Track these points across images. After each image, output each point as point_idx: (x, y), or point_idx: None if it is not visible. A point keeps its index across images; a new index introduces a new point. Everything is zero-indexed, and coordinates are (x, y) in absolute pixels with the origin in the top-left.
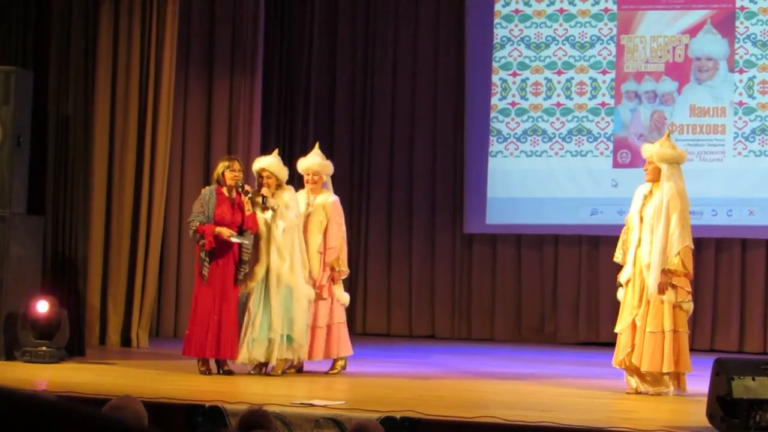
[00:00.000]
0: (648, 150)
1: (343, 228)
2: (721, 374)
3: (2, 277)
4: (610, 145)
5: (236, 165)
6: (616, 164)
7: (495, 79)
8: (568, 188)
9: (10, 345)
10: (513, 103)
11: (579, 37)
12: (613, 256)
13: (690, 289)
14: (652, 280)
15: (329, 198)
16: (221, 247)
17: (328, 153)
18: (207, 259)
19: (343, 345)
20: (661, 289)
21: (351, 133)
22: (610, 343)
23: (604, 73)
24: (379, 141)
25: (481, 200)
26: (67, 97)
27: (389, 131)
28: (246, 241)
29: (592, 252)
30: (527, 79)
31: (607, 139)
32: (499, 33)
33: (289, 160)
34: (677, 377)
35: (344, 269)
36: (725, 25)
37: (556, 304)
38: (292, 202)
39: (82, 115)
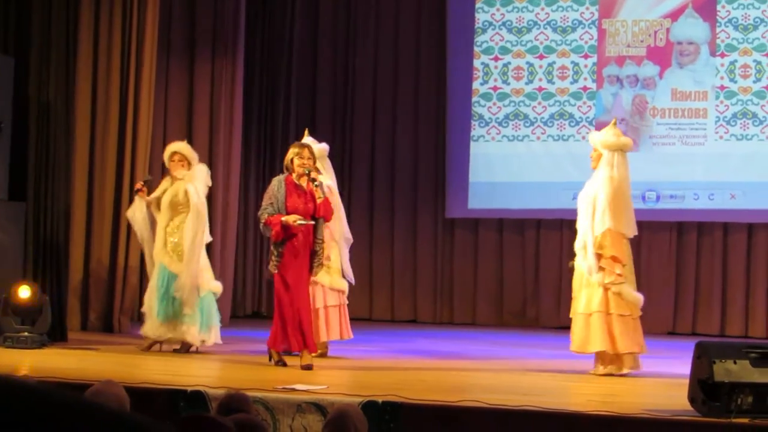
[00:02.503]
0: (593, 138)
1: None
2: (703, 357)
3: None
4: (592, 129)
5: (305, 152)
6: None
7: (477, 63)
8: (549, 172)
9: None
10: (495, 88)
11: (561, 22)
12: None
13: (620, 272)
14: (583, 263)
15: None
16: (294, 238)
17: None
18: (277, 252)
19: (333, 329)
20: (589, 271)
21: (333, 117)
22: None
23: (585, 57)
24: (361, 125)
25: (462, 185)
26: (48, 83)
27: (371, 115)
28: (312, 222)
29: (573, 236)
30: (509, 63)
31: (588, 124)
32: (480, 17)
33: (271, 144)
34: (619, 359)
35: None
36: (707, 9)
37: (537, 289)
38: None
39: (64, 101)
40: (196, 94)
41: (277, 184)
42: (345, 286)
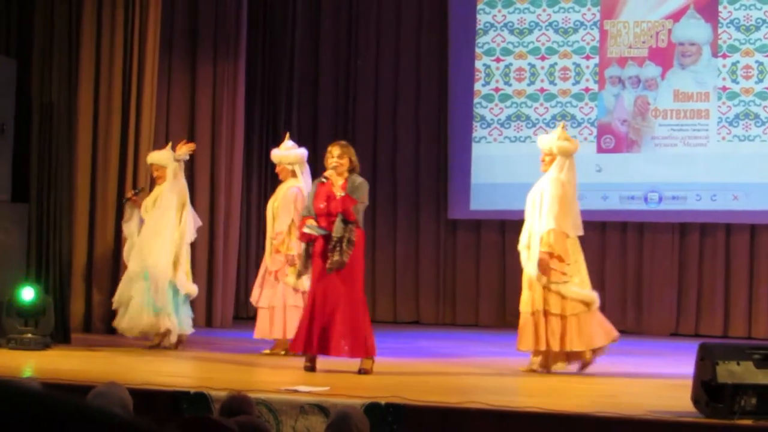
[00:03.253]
0: (545, 142)
1: (294, 214)
2: (706, 359)
3: None
4: (594, 130)
5: (334, 150)
6: (600, 149)
7: (478, 64)
8: None
9: None
10: (497, 89)
11: (562, 23)
12: (595, 240)
13: (564, 271)
14: (527, 263)
15: (285, 186)
16: (317, 241)
17: (312, 138)
18: (306, 253)
19: (291, 327)
20: (541, 271)
21: (335, 119)
22: None
23: (587, 58)
24: (363, 126)
25: (465, 186)
26: (50, 84)
27: (373, 116)
28: (316, 233)
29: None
30: (511, 64)
31: (590, 125)
32: (482, 18)
33: (274, 144)
34: (561, 356)
35: (290, 252)
36: (708, 10)
37: None
38: (164, 196)
39: (66, 103)
40: (198, 96)
41: (313, 185)
42: (294, 284)
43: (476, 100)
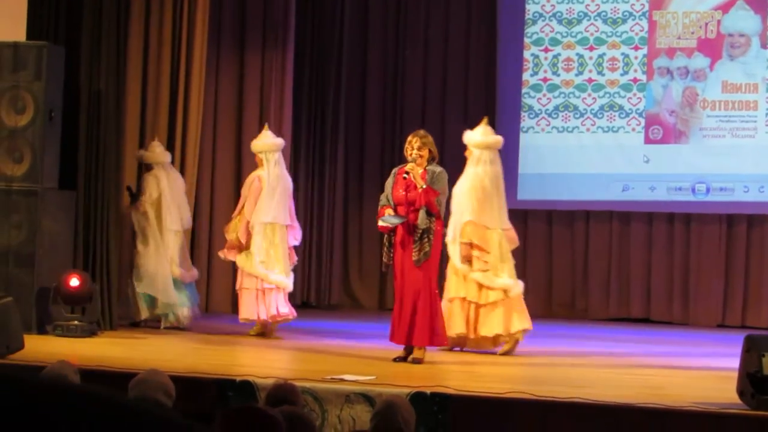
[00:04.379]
0: (466, 137)
1: (247, 201)
2: (752, 351)
3: (34, 251)
4: (642, 121)
5: (414, 141)
6: (648, 140)
7: (527, 54)
8: (599, 164)
9: (42, 319)
10: (545, 79)
11: (611, 13)
12: (642, 232)
13: (486, 260)
14: (453, 253)
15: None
16: (400, 226)
17: (360, 127)
18: (388, 243)
19: (244, 308)
20: (463, 260)
21: (383, 108)
22: (641, 320)
23: (636, 49)
24: (411, 115)
25: (512, 176)
26: (98, 72)
27: (421, 106)
28: (389, 224)
29: (623, 228)
30: (559, 54)
31: (638, 115)
32: (530, 8)
33: (321, 134)
34: (483, 340)
35: (230, 237)
36: (757, 2)
37: (587, 280)
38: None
39: (114, 90)
40: (246, 84)
41: (391, 175)
42: (262, 273)
43: (524, 90)
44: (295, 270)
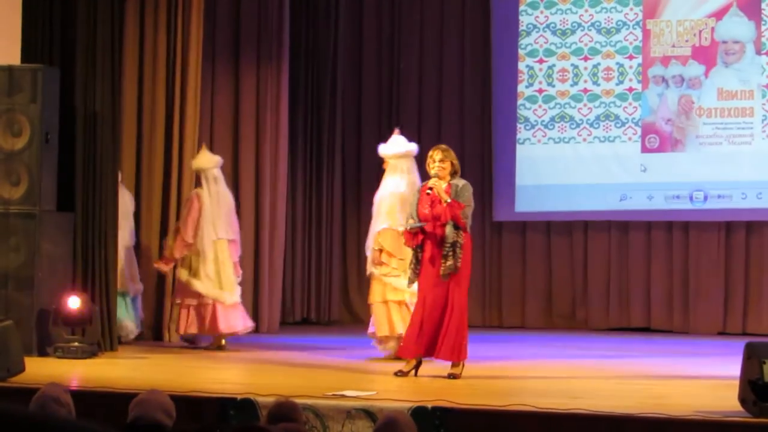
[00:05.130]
0: (385, 150)
1: (186, 218)
2: (753, 358)
3: (33, 273)
4: (638, 130)
5: (436, 154)
6: (645, 149)
7: (521, 66)
8: (596, 174)
9: (43, 341)
10: (540, 90)
11: (605, 23)
12: (641, 240)
13: (395, 266)
14: (369, 258)
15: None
16: (427, 244)
17: (356, 139)
18: (414, 261)
19: (185, 323)
20: (375, 266)
21: (378, 122)
22: (642, 329)
23: (630, 58)
24: (407, 129)
25: (509, 188)
26: (94, 93)
27: (417, 120)
28: (413, 229)
29: (621, 237)
30: (554, 65)
31: (634, 124)
32: (524, 20)
33: (317, 147)
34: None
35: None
36: (751, 8)
37: (586, 290)
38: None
39: (110, 111)
40: (242, 101)
41: (414, 192)
42: (203, 288)
43: (520, 101)
44: (293, 286)
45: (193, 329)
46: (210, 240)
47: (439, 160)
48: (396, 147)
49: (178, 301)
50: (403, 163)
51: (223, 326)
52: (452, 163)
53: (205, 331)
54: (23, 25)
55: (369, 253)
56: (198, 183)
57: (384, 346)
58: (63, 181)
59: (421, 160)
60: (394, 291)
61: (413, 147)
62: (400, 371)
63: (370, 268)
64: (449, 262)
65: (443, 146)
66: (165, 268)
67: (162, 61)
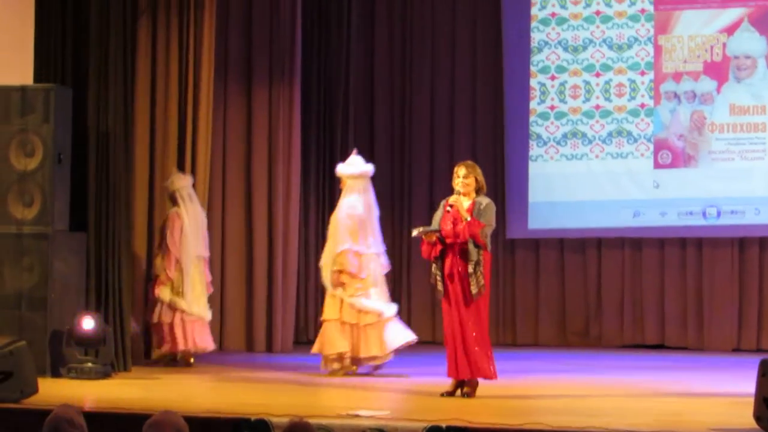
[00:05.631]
0: (342, 169)
1: (173, 237)
2: (767, 375)
3: (47, 294)
4: (651, 146)
5: (460, 170)
6: (657, 165)
7: (533, 83)
8: (609, 191)
9: (56, 362)
10: (552, 107)
11: (616, 39)
12: (654, 257)
13: (358, 286)
14: (325, 277)
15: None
16: (447, 260)
17: (369, 159)
18: (438, 273)
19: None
20: (335, 286)
21: (391, 140)
22: (656, 346)
23: (642, 74)
24: (419, 146)
25: (522, 205)
26: (106, 112)
27: (429, 136)
28: (416, 232)
29: (635, 254)
30: (565, 82)
31: (647, 140)
32: (536, 37)
33: (330, 170)
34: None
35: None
36: (763, 23)
37: (600, 308)
38: None
39: (122, 131)
40: (255, 118)
41: (439, 207)
42: (187, 305)
43: (532, 118)
44: (306, 305)
45: (174, 347)
46: (193, 257)
47: (463, 176)
48: (353, 167)
49: (156, 320)
50: (359, 183)
51: (200, 343)
52: (476, 180)
53: (186, 348)
54: (36, 45)
55: (324, 272)
56: (174, 203)
57: (328, 364)
58: (76, 202)
59: (435, 176)
60: (357, 312)
61: (369, 168)
62: (447, 392)
63: (330, 288)
64: (481, 282)
65: (469, 162)
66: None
67: (174, 80)
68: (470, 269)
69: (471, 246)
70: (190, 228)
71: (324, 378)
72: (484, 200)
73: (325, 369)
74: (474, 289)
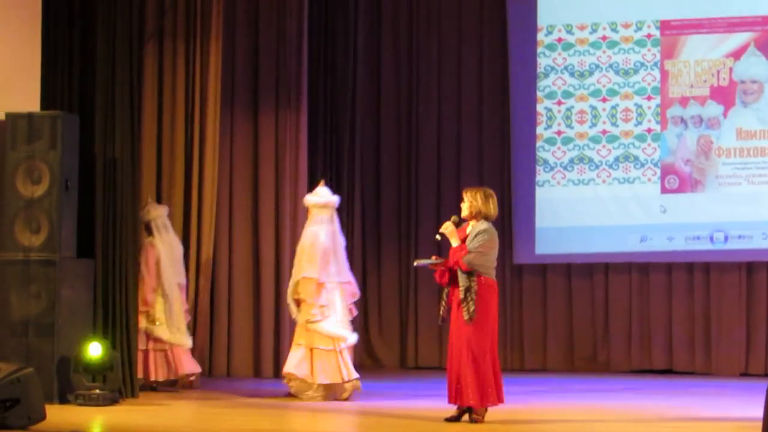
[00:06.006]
0: (308, 200)
1: (148, 266)
2: None
3: (54, 320)
4: (658, 171)
5: (465, 195)
6: (664, 190)
7: (540, 108)
8: (616, 216)
9: (64, 388)
10: (559, 132)
11: (623, 64)
12: (662, 282)
13: (314, 311)
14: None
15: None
16: (452, 288)
17: (375, 185)
18: (443, 299)
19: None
20: (296, 313)
21: (398, 165)
22: (664, 370)
23: (649, 99)
24: (426, 172)
25: (529, 230)
26: (113, 139)
27: (436, 162)
28: (419, 263)
29: (642, 279)
30: (572, 107)
31: (654, 165)
32: (542, 62)
33: (337, 191)
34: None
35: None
36: None
37: (608, 333)
38: None
39: (129, 157)
40: (261, 144)
41: None
42: (164, 333)
43: (539, 143)
44: None
45: (161, 375)
46: (172, 285)
47: (464, 200)
48: (319, 197)
49: (142, 347)
50: (325, 213)
51: (182, 370)
52: (471, 204)
53: (173, 376)
54: (42, 72)
55: (288, 301)
56: (149, 233)
57: (293, 383)
58: (83, 228)
59: (441, 201)
60: (320, 337)
61: (335, 198)
62: (451, 416)
63: (295, 315)
64: (470, 308)
65: (470, 187)
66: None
67: (181, 106)
68: (461, 295)
69: (459, 272)
70: (167, 257)
71: (334, 403)
72: (480, 226)
73: (290, 388)
74: (465, 315)
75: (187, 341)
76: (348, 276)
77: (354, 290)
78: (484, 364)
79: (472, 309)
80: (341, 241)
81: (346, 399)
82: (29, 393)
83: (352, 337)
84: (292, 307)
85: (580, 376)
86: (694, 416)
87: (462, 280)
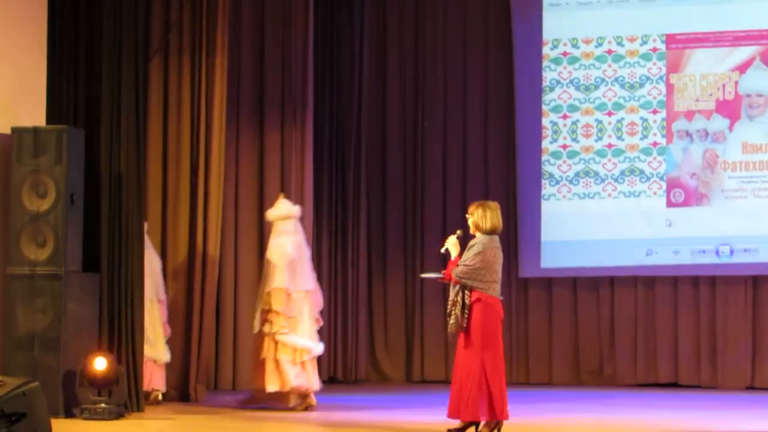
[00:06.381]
0: (270, 213)
1: None
2: None
3: (59, 335)
4: (663, 184)
5: (470, 208)
6: (670, 203)
7: (545, 122)
8: (622, 229)
9: (69, 402)
10: (564, 146)
11: (628, 78)
12: (668, 295)
13: (284, 324)
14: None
15: None
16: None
17: (381, 199)
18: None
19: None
20: (263, 324)
21: (403, 180)
22: (670, 384)
23: (654, 112)
24: (432, 185)
25: (535, 244)
26: (119, 153)
27: (441, 177)
28: (426, 276)
29: (648, 292)
30: (578, 121)
31: (659, 179)
32: (548, 76)
33: (343, 206)
34: (287, 395)
35: None
36: None
37: (613, 346)
38: None
39: (135, 171)
40: (266, 163)
41: None
42: (160, 354)
43: (544, 157)
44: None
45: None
46: (147, 301)
47: (470, 212)
48: (280, 210)
49: None
50: (288, 225)
51: (151, 384)
52: (470, 219)
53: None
54: (48, 87)
55: (256, 312)
56: None
57: (279, 401)
58: (88, 242)
59: (447, 216)
60: (284, 348)
61: (296, 209)
62: (453, 429)
63: (256, 327)
64: (455, 321)
65: (478, 202)
66: None
67: (186, 121)
68: (447, 308)
69: (450, 285)
70: (149, 273)
71: (340, 415)
72: (476, 240)
73: (282, 405)
74: (449, 328)
75: (162, 356)
76: (313, 284)
77: (319, 299)
78: (469, 380)
79: (452, 322)
80: (306, 251)
81: (304, 409)
82: (35, 407)
83: (318, 348)
84: (260, 317)
85: (585, 389)
86: (700, 430)
87: (451, 293)
